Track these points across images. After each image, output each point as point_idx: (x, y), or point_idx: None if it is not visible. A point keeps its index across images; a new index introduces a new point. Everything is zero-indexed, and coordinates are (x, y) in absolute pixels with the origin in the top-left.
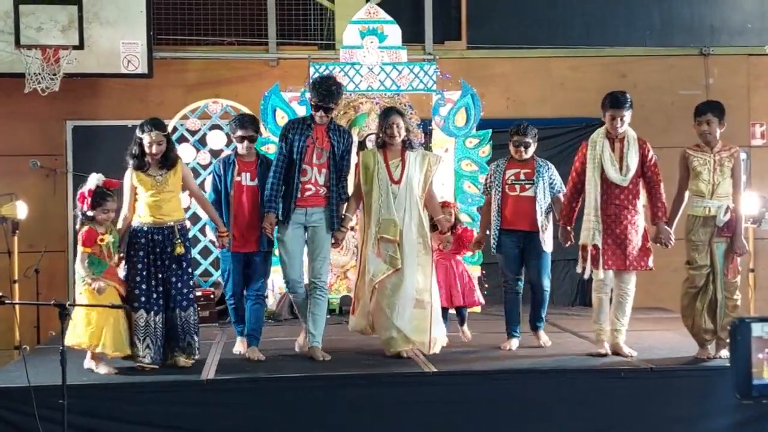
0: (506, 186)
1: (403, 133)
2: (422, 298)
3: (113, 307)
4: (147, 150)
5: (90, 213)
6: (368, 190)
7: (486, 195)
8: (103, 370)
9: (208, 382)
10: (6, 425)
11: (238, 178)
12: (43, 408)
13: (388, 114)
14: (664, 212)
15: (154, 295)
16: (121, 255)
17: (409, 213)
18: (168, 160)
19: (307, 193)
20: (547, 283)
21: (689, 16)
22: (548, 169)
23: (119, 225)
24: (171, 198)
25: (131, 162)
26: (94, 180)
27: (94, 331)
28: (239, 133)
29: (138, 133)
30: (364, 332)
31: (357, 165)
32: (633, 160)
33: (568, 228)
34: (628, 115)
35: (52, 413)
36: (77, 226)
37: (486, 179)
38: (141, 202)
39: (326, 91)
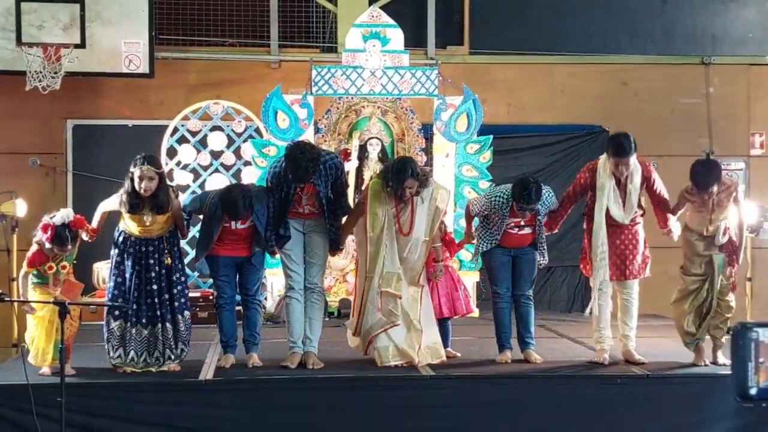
0: (507, 228)
1: (416, 189)
2: (416, 326)
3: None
4: (137, 185)
5: (47, 245)
6: (375, 238)
7: (479, 217)
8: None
9: (207, 382)
10: (4, 422)
11: (226, 224)
12: (42, 406)
13: (402, 174)
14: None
15: (136, 306)
16: (95, 231)
17: (411, 263)
18: (159, 202)
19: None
20: (531, 292)
21: (691, 25)
22: (547, 202)
23: (94, 221)
24: (159, 228)
25: (125, 198)
26: (62, 216)
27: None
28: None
29: (131, 168)
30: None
31: (363, 192)
32: (635, 198)
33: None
34: (632, 159)
35: (51, 411)
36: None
37: (483, 208)
38: (131, 226)
39: (304, 171)
